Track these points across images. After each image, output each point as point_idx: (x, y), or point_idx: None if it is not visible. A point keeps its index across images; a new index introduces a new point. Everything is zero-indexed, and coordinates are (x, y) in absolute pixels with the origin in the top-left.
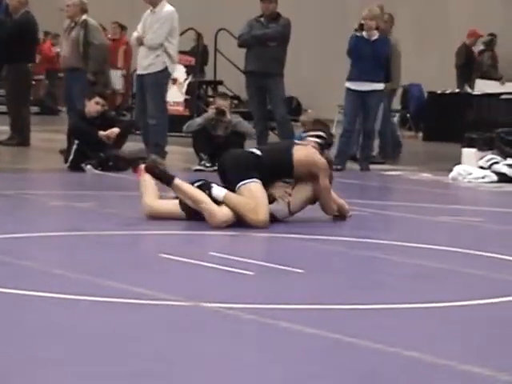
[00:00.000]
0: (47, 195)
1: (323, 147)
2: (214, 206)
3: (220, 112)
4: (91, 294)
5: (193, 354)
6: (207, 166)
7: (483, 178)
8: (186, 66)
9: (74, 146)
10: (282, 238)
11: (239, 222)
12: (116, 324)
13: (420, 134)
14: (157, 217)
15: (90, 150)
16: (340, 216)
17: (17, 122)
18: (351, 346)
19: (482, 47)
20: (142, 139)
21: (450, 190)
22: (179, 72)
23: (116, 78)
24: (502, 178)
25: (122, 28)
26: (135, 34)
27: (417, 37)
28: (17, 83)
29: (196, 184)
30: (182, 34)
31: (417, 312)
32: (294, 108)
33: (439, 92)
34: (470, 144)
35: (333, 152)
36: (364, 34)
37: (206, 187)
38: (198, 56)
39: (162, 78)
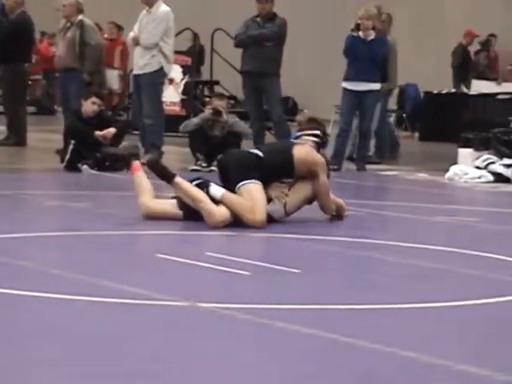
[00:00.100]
0: (44, 195)
1: (319, 146)
2: (212, 206)
3: (216, 112)
4: (87, 294)
5: (189, 355)
6: (203, 166)
7: (479, 178)
8: (182, 66)
9: (71, 146)
10: (279, 238)
11: (236, 222)
12: (112, 324)
13: (416, 134)
14: (153, 217)
15: (86, 150)
16: (337, 215)
17: (13, 121)
18: (348, 346)
19: (478, 47)
20: (140, 139)
21: (446, 190)
22: (176, 72)
23: (112, 78)
24: (498, 178)
25: (119, 28)
26: (131, 34)
27: (413, 37)
28: (13, 83)
29: (194, 182)
30: (178, 34)
31: (413, 312)
32: (291, 108)
33: (435, 92)
34: (467, 144)
35: (328, 152)
36: (360, 33)
37: (204, 185)
38: (194, 56)
39: (158, 77)
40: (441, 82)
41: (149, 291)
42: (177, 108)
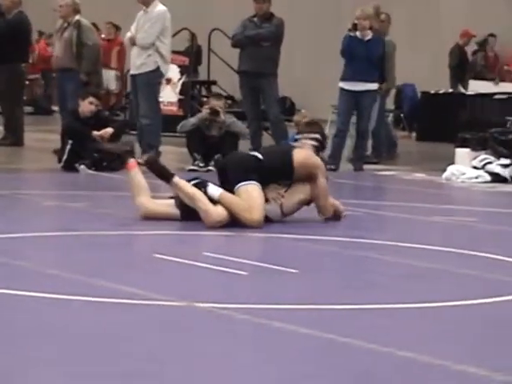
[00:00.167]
0: (41, 195)
1: (318, 149)
2: (210, 206)
3: (214, 112)
4: (84, 294)
5: (186, 354)
6: (201, 166)
7: (477, 178)
8: (179, 66)
9: (68, 146)
10: (276, 238)
11: (233, 222)
12: (109, 324)
13: (413, 134)
14: (151, 217)
15: (83, 150)
16: (334, 217)
17: (10, 122)
18: (345, 346)
19: (475, 47)
20: (137, 139)
21: (443, 190)
22: (173, 72)
23: (110, 78)
24: (496, 178)
25: (116, 28)
26: (128, 34)
27: (410, 37)
28: (10, 83)
29: (192, 182)
30: (175, 34)
31: (411, 312)
32: (288, 108)
33: (433, 92)
34: (464, 144)
35: (325, 152)
36: (357, 33)
37: (201, 185)
38: (191, 56)
39: (154, 77)
40: (438, 82)
41: (146, 291)
42: (174, 108)
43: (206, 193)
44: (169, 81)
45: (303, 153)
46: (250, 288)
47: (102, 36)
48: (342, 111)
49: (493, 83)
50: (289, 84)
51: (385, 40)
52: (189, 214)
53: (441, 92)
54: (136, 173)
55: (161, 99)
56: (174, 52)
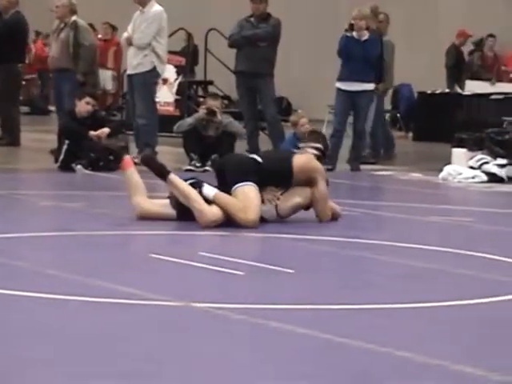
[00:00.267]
0: (37, 195)
1: (320, 159)
2: (204, 206)
3: (211, 112)
4: (81, 294)
5: (183, 355)
6: (197, 166)
7: (473, 178)
8: (176, 66)
9: (65, 146)
10: (273, 238)
11: (230, 222)
12: (105, 324)
13: (410, 134)
14: (147, 217)
15: (80, 150)
16: (332, 220)
17: (7, 122)
18: (342, 345)
19: (471, 47)
20: (134, 139)
21: (440, 190)
22: (169, 72)
23: (106, 79)
24: (492, 178)
25: (113, 28)
26: (125, 35)
27: (407, 37)
28: (7, 83)
29: (187, 182)
30: (172, 34)
31: (408, 312)
32: (285, 108)
33: (429, 92)
34: (460, 144)
35: None
36: (354, 34)
37: (197, 185)
38: (188, 56)
39: (151, 77)
40: (435, 82)
41: (142, 291)
42: (171, 108)
43: (201, 193)
44: (165, 81)
45: (303, 157)
46: (246, 288)
47: (99, 36)
48: (339, 111)
49: (489, 83)
50: (286, 84)
51: (383, 40)
52: (184, 214)
53: (437, 92)
54: (132, 172)
55: (157, 99)
56: (170, 52)
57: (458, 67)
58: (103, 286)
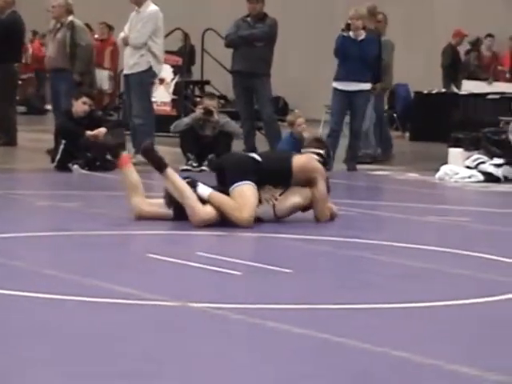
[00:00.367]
0: (34, 195)
1: (321, 165)
2: (198, 204)
3: (208, 112)
4: (78, 294)
5: (180, 354)
6: (194, 166)
7: (470, 177)
8: (173, 66)
9: (61, 146)
10: (270, 238)
11: (227, 222)
12: (103, 324)
13: (407, 134)
14: (144, 218)
15: (76, 150)
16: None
17: (3, 121)
18: (339, 345)
19: (468, 47)
20: (131, 139)
21: (436, 190)
22: (166, 72)
23: (103, 78)
24: (489, 177)
25: (110, 28)
26: (121, 35)
27: (403, 37)
28: (3, 83)
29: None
30: (169, 34)
31: (405, 312)
32: (281, 108)
33: (426, 92)
34: (457, 144)
35: None
36: (351, 33)
37: (192, 184)
38: (185, 56)
39: (147, 77)
40: (431, 81)
41: (140, 291)
42: (167, 108)
43: (195, 192)
44: (162, 81)
45: (304, 157)
46: (244, 288)
47: (95, 36)
48: (336, 111)
49: (486, 83)
50: (282, 84)
51: (383, 40)
52: (181, 214)
53: (434, 92)
54: (131, 172)
55: (154, 99)
56: (167, 52)
57: (455, 67)
58: (100, 285)
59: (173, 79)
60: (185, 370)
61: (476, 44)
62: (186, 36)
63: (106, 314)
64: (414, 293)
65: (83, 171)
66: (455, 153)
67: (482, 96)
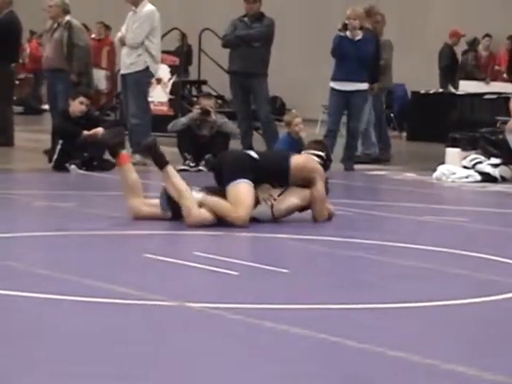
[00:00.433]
0: (31, 195)
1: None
2: (194, 205)
3: (205, 112)
4: (75, 294)
5: (178, 354)
6: (191, 166)
7: (467, 177)
8: (170, 66)
9: (59, 146)
10: (267, 238)
11: (224, 222)
12: (100, 324)
13: (404, 134)
14: (142, 217)
15: (74, 150)
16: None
17: (0, 121)
18: (336, 345)
19: (465, 47)
20: (128, 139)
21: (433, 190)
22: (163, 72)
23: (100, 78)
24: (486, 177)
25: (107, 28)
26: (119, 35)
27: (401, 36)
28: (0, 83)
29: None
30: (166, 34)
31: (402, 312)
32: (278, 108)
33: (423, 92)
34: (454, 144)
35: None
36: (348, 33)
37: None
38: (182, 56)
39: (144, 77)
40: (428, 81)
41: (137, 291)
42: (164, 108)
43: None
44: (159, 81)
45: (303, 157)
46: (241, 288)
47: (93, 36)
48: (333, 111)
49: (484, 83)
50: (279, 84)
51: (382, 40)
52: (179, 213)
53: (431, 92)
54: (130, 171)
55: (151, 99)
56: (164, 52)
57: (452, 67)
58: (97, 285)
59: (170, 79)
60: (179, 369)
61: (473, 44)
62: (183, 36)
63: (103, 313)
64: (411, 293)
65: (80, 171)
66: (452, 153)
67: (479, 96)
